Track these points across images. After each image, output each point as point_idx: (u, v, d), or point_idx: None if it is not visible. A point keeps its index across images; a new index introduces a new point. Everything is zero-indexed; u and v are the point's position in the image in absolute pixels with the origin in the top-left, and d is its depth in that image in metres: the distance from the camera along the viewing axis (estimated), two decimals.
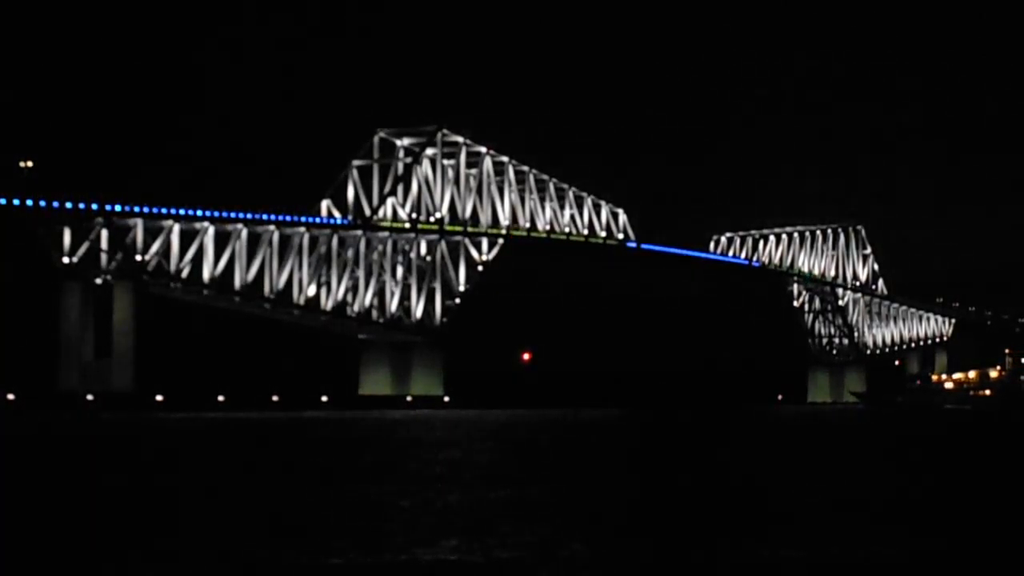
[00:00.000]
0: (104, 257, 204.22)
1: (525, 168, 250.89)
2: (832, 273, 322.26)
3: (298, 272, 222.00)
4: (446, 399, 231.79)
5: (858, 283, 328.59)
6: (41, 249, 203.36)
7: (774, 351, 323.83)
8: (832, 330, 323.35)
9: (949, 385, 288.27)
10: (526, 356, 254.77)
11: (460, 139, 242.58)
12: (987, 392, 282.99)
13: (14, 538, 34.48)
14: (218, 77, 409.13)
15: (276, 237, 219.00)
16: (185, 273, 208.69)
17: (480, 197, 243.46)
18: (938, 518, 41.11)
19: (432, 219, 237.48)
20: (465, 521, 37.97)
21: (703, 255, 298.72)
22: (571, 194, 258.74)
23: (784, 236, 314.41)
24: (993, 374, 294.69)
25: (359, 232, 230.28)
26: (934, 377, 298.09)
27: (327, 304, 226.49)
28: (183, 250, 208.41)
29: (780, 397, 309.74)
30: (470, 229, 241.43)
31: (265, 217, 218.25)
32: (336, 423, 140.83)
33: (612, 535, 35.72)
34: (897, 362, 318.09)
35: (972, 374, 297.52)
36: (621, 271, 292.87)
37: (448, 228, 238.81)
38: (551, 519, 39.11)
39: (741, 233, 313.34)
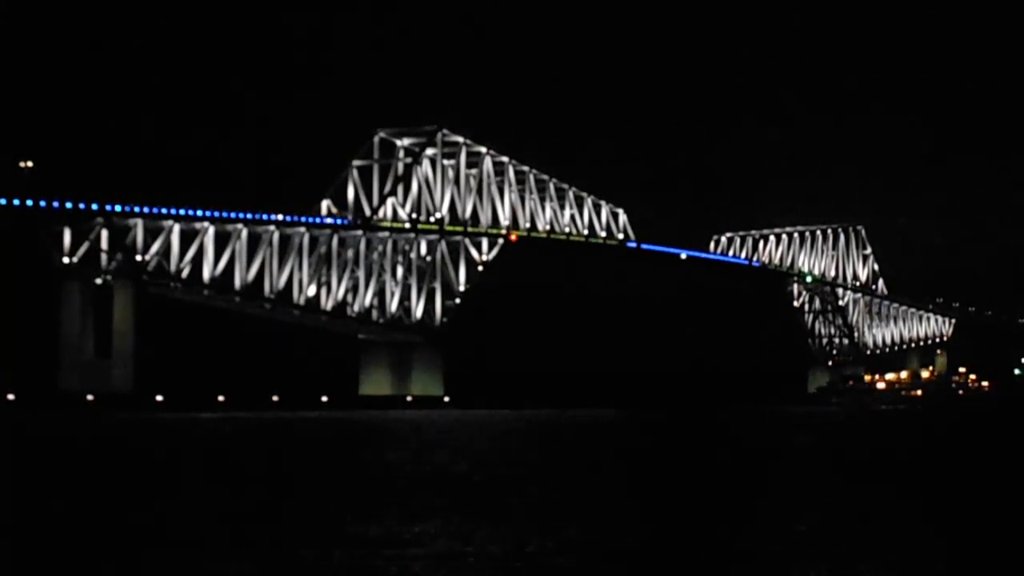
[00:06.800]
0: (104, 257, 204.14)
1: (525, 168, 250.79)
2: (832, 273, 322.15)
3: (298, 272, 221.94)
4: (446, 399, 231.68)
5: (858, 283, 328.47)
6: (41, 249, 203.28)
7: (774, 351, 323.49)
8: (832, 330, 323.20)
9: (881, 386, 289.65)
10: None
11: (460, 139, 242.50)
12: (918, 392, 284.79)
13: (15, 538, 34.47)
14: (218, 77, 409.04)
15: (276, 237, 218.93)
16: (185, 273, 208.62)
17: (480, 197, 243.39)
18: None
19: (432, 219, 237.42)
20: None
21: (703, 255, 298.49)
22: (571, 194, 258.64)
23: (784, 236, 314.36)
24: (925, 375, 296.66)
25: (359, 232, 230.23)
26: (867, 378, 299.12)
27: (327, 304, 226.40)
28: (183, 250, 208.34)
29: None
30: (470, 229, 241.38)
31: (265, 217, 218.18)
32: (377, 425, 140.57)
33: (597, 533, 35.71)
34: (831, 362, 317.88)
35: (904, 374, 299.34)
36: (621, 271, 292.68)
37: (448, 228, 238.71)
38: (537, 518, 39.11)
39: (741, 233, 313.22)
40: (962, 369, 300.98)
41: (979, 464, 72.41)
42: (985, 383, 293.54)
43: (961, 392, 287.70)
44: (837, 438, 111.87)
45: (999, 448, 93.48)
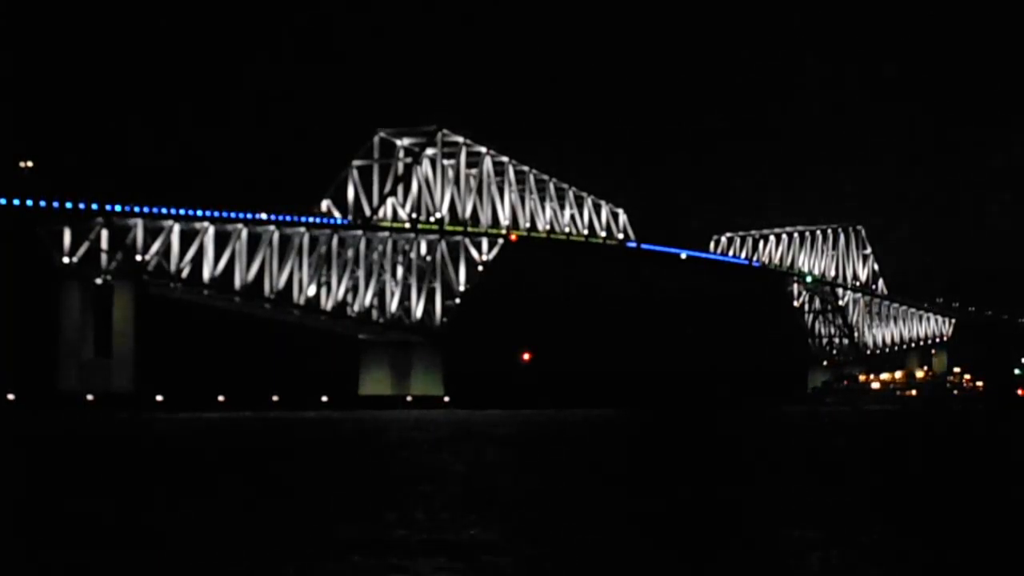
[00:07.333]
0: (104, 257, 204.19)
1: (525, 168, 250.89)
2: (832, 273, 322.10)
3: (298, 272, 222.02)
4: (446, 399, 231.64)
5: (858, 283, 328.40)
6: (41, 249, 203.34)
7: (774, 351, 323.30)
8: (832, 330, 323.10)
9: (876, 386, 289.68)
10: (526, 356, 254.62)
11: (460, 139, 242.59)
12: (913, 392, 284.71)
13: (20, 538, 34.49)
14: (218, 77, 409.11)
15: (276, 237, 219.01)
16: (185, 273, 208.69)
17: (480, 197, 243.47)
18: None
19: (432, 219, 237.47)
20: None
21: (703, 255, 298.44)
22: (571, 194, 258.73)
23: (784, 236, 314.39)
24: (919, 374, 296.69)
25: (359, 232, 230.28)
26: (861, 377, 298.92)
27: (327, 304, 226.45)
28: (183, 250, 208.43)
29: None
30: (470, 229, 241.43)
31: (265, 217, 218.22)
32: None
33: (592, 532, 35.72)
34: (829, 362, 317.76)
35: (899, 374, 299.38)
36: (621, 271, 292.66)
37: (448, 228, 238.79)
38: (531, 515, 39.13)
39: (741, 233, 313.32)
40: (957, 369, 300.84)
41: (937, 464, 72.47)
42: (979, 383, 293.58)
43: (956, 392, 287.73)
44: (816, 438, 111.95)
45: (973, 449, 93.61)
